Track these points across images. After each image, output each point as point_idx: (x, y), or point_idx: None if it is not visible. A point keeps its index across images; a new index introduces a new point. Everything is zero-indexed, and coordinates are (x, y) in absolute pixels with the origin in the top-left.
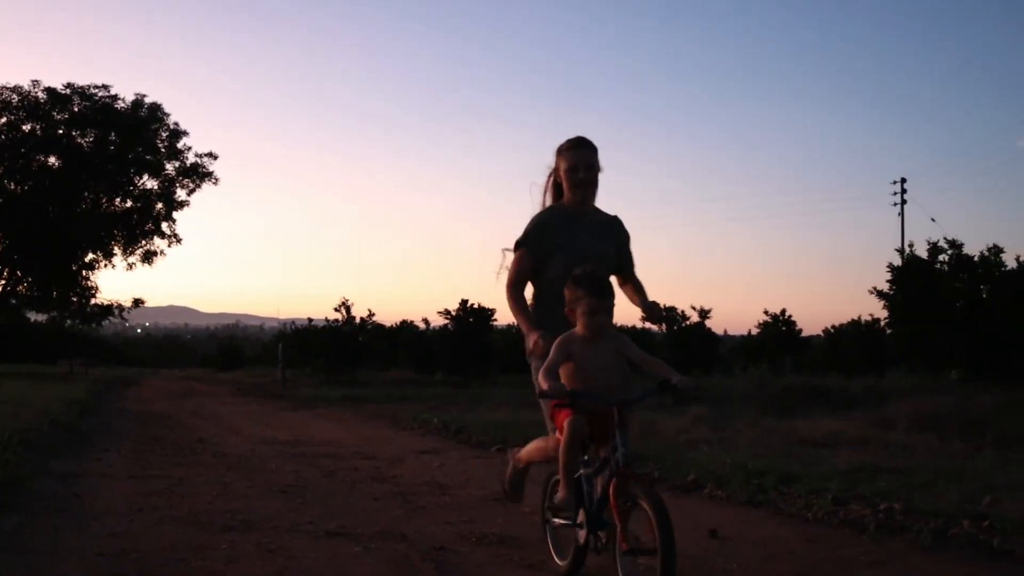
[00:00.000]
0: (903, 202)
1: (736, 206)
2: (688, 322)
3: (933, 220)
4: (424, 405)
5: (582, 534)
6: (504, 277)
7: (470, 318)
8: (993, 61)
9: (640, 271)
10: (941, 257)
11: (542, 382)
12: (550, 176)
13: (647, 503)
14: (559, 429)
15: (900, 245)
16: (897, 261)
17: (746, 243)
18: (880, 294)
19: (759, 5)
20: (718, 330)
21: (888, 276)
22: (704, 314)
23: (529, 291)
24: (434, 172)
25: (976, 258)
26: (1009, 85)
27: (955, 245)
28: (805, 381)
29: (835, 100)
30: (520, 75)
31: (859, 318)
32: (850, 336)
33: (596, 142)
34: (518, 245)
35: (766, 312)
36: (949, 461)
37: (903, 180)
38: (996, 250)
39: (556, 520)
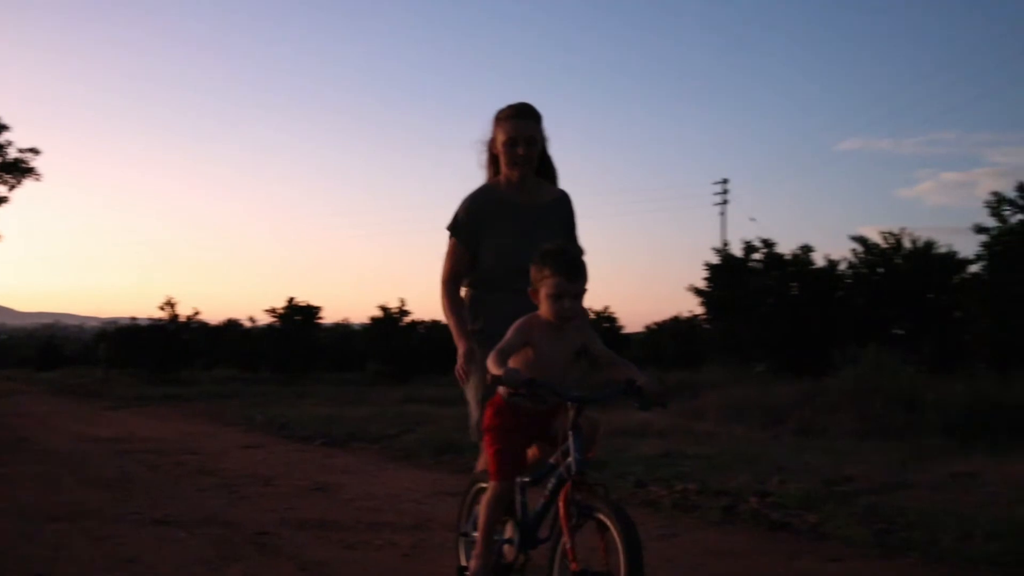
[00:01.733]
0: (724, 202)
1: None
2: None
3: (753, 220)
4: (249, 402)
5: (509, 550)
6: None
7: (296, 316)
8: (818, 65)
9: None
10: (755, 256)
11: (493, 366)
12: (488, 148)
13: (611, 520)
14: (489, 465)
15: (720, 244)
16: (715, 259)
17: None
18: (697, 291)
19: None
20: None
21: (705, 274)
22: None
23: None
24: (259, 170)
25: (788, 256)
26: (832, 90)
27: (768, 244)
28: None
29: (660, 100)
30: (332, 68)
31: (679, 315)
32: (669, 332)
33: (414, 135)
34: (450, 232)
35: (589, 309)
36: (749, 447)
37: (725, 181)
38: (806, 249)
39: (475, 534)
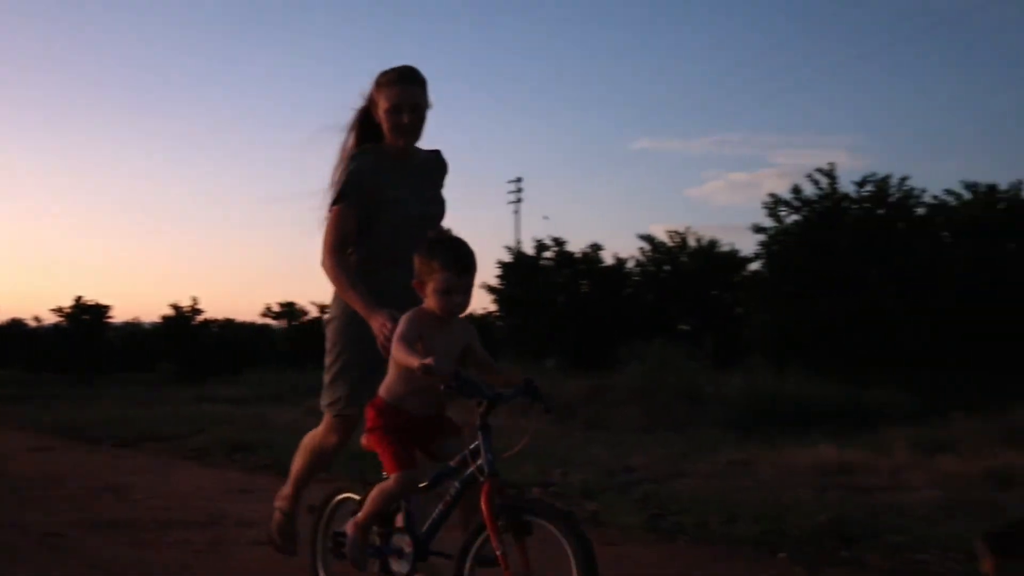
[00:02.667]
0: (518, 200)
1: None
2: (307, 317)
3: (546, 218)
4: (36, 404)
5: (398, 562)
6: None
7: (84, 315)
8: (611, 64)
9: (259, 265)
10: (547, 254)
11: (412, 358)
12: (363, 109)
13: (551, 521)
14: (387, 462)
15: (514, 242)
16: (508, 257)
17: None
18: (490, 288)
19: None
20: None
21: (498, 271)
22: (324, 309)
23: None
24: (42, 161)
25: (578, 255)
26: (624, 90)
27: (559, 242)
28: None
29: (453, 96)
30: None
31: (472, 311)
32: None
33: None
34: (336, 200)
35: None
36: (537, 441)
37: (519, 179)
38: (596, 247)
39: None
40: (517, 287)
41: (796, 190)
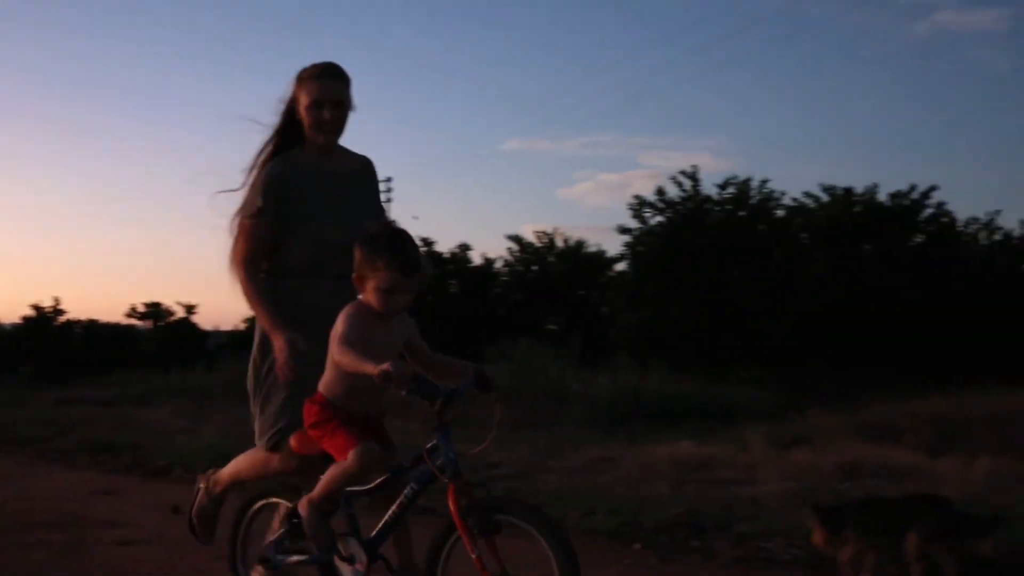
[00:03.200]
0: (388, 200)
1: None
2: (173, 317)
3: (416, 218)
4: None
5: (347, 568)
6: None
7: None
8: (481, 64)
9: (123, 265)
10: None
11: (366, 364)
12: (286, 112)
13: (537, 527)
14: (337, 447)
15: None
16: None
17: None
18: None
19: None
20: (206, 325)
21: None
22: (190, 309)
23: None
24: None
25: (447, 255)
26: (495, 91)
27: (427, 242)
28: None
29: None
30: None
31: None
32: None
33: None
34: (255, 212)
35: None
36: (408, 438)
37: (389, 179)
38: (464, 247)
39: (291, 559)
40: None
41: (660, 192)
